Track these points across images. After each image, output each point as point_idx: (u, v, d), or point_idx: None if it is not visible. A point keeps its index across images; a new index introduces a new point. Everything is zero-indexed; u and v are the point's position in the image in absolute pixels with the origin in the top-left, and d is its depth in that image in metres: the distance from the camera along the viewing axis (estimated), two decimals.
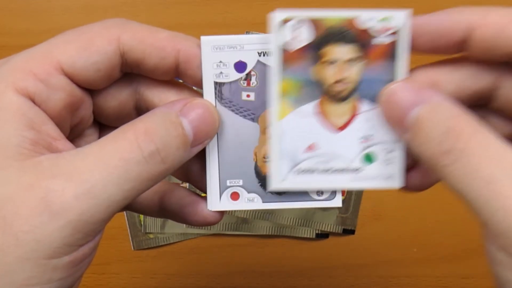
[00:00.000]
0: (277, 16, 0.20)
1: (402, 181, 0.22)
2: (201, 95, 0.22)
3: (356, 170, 0.22)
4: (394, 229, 0.44)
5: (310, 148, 0.22)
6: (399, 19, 0.20)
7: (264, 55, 0.21)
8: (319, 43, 0.21)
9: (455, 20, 0.20)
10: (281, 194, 0.22)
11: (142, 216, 0.44)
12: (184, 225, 0.44)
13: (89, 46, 0.20)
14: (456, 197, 0.19)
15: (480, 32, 0.20)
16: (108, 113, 0.23)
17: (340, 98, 0.21)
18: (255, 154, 0.22)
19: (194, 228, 0.44)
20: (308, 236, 0.44)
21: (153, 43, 0.20)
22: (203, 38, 0.21)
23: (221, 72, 0.21)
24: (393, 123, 0.21)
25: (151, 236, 0.44)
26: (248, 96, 0.22)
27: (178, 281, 0.45)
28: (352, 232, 0.45)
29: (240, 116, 0.22)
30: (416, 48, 0.21)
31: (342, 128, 0.22)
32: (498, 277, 0.18)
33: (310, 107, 0.21)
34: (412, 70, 0.21)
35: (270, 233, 0.44)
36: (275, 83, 0.21)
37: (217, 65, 0.21)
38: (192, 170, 0.24)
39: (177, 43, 0.21)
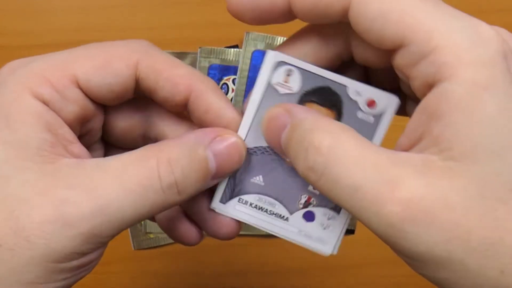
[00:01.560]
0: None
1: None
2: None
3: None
4: None
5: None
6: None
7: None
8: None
9: None
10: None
11: None
12: None
13: (107, 66, 0.20)
14: None
15: (298, 2, 0.19)
16: (116, 133, 0.23)
17: None
18: None
19: None
20: None
21: (168, 77, 0.21)
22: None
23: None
24: (275, 149, 0.21)
25: (152, 236, 0.44)
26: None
27: (178, 281, 0.45)
28: (352, 232, 0.45)
29: None
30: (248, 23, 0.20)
31: None
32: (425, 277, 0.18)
33: None
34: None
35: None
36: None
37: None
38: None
39: (192, 83, 0.21)
